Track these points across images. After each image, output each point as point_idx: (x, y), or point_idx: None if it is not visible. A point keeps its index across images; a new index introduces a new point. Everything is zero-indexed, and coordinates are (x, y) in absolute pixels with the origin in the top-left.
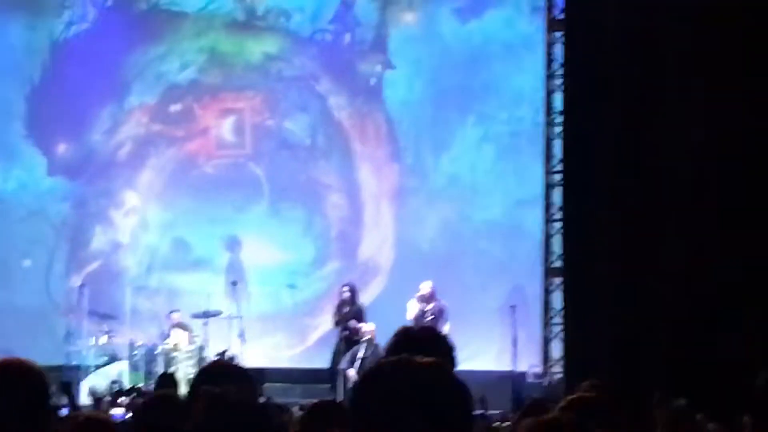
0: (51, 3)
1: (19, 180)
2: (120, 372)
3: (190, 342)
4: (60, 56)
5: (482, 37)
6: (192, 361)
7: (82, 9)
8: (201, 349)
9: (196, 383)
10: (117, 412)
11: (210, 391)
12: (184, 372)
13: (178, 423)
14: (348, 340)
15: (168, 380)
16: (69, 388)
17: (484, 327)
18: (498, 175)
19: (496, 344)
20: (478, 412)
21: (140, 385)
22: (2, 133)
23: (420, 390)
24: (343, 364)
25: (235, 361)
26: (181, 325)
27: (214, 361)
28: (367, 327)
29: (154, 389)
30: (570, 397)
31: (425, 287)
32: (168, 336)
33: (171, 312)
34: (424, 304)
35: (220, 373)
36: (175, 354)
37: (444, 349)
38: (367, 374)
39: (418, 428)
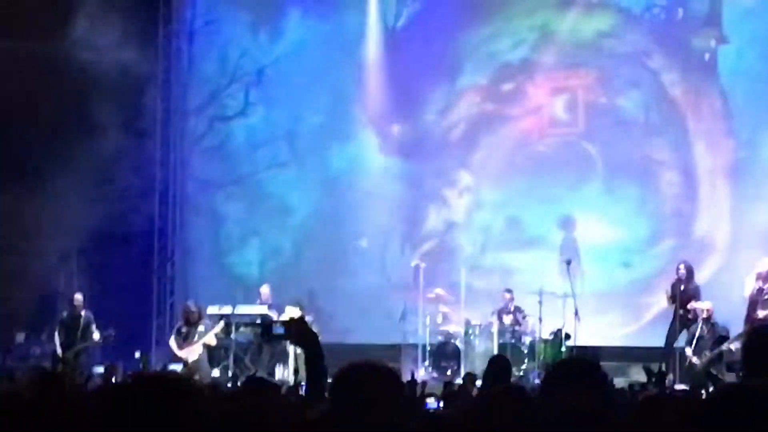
0: None
1: (354, 160)
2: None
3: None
4: (393, 39)
5: None
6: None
7: None
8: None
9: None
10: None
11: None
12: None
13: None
14: (684, 318)
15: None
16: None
17: None
18: None
19: None
20: None
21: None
22: (339, 114)
23: None
24: (679, 343)
25: (570, 339)
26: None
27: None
28: (703, 306)
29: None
30: None
31: (763, 264)
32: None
33: (505, 290)
34: (761, 282)
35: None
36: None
37: None
38: None
39: None
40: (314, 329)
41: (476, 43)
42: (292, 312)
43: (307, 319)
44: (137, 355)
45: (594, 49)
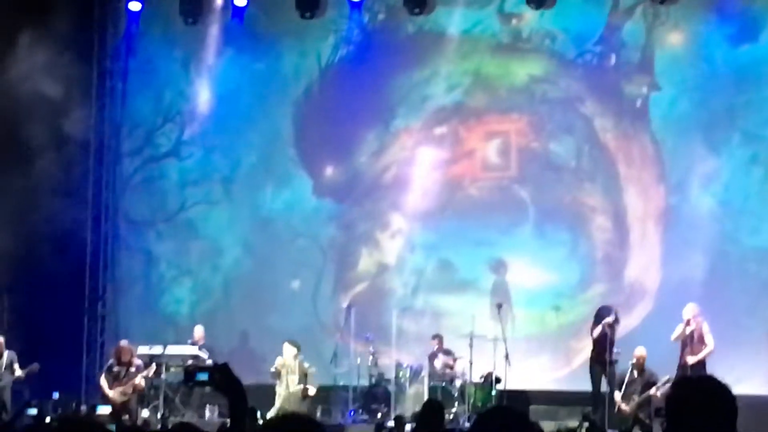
0: (319, 27)
1: (287, 201)
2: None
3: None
4: (327, 80)
5: (751, 58)
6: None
7: (348, 32)
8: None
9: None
10: None
11: None
12: None
13: None
14: (612, 363)
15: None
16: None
17: (751, 351)
18: (767, 197)
19: (764, 368)
20: None
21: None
22: (272, 155)
23: None
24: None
25: (500, 383)
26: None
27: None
28: (636, 352)
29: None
30: None
31: (689, 310)
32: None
33: (432, 336)
34: (689, 327)
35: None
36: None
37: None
38: None
39: None
40: (305, 365)
41: (410, 87)
42: (288, 349)
43: (300, 358)
44: (56, 396)
45: (527, 93)
